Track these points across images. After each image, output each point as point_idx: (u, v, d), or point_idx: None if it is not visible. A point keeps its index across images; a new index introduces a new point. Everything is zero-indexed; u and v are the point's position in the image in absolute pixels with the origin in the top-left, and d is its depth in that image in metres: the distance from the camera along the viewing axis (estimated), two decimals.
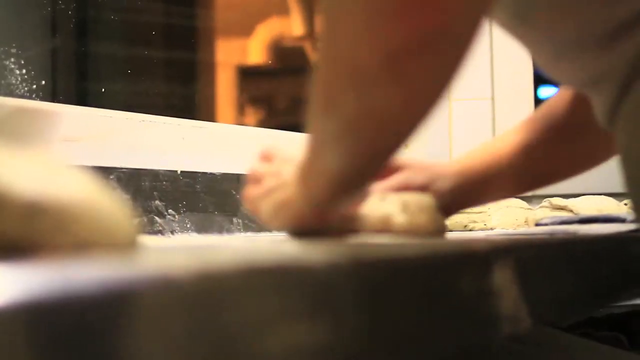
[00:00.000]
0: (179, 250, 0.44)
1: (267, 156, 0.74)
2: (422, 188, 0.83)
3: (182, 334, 0.28)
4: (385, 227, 0.69)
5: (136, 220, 0.46)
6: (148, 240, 0.55)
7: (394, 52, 0.49)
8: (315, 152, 0.59)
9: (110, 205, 0.33)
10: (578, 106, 0.81)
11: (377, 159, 0.58)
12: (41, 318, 0.24)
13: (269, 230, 1.20)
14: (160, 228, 1.04)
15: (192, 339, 0.28)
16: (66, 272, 0.27)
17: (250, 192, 0.73)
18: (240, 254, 0.36)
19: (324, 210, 0.63)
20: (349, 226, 0.69)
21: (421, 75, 0.51)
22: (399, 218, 0.69)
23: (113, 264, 0.29)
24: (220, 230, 1.13)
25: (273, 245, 0.58)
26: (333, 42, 0.53)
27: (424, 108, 0.54)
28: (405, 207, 0.70)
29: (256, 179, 0.73)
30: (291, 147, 0.71)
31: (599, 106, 0.67)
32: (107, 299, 0.26)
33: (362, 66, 0.51)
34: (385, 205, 0.70)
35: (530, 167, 0.88)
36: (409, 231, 0.69)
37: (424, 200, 0.71)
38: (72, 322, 0.25)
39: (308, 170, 0.62)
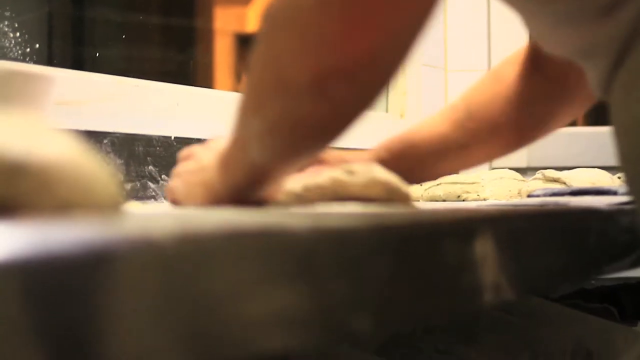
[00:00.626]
0: (161, 213, 0.45)
1: (187, 155, 0.77)
2: None
3: (161, 295, 0.28)
4: (337, 189, 0.70)
5: (121, 183, 0.46)
6: (132, 204, 0.55)
7: (320, 73, 0.54)
8: (238, 144, 0.64)
9: (94, 167, 0.33)
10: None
11: (296, 159, 0.63)
12: (26, 277, 0.24)
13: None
14: (154, 193, 1.04)
15: (171, 300, 0.28)
16: (48, 233, 0.27)
17: (171, 185, 0.77)
18: (220, 219, 0.36)
19: (240, 195, 0.67)
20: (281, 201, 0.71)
21: (344, 97, 0.56)
22: (353, 178, 0.69)
23: (94, 226, 0.29)
24: None
25: (256, 211, 0.58)
26: (268, 54, 0.57)
27: (343, 124, 0.58)
28: (350, 171, 0.70)
29: (178, 175, 0.77)
30: (209, 147, 0.74)
31: (594, 77, 0.66)
32: (87, 260, 0.26)
33: (290, 81, 0.56)
34: (328, 173, 0.70)
35: (445, 151, 0.90)
36: (367, 191, 0.69)
37: (368, 163, 0.72)
38: (54, 282, 0.25)
39: (229, 158, 0.66)
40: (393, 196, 0.69)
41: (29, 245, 0.25)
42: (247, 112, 0.62)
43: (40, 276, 0.25)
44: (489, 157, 0.93)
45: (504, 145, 0.90)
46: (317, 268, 0.36)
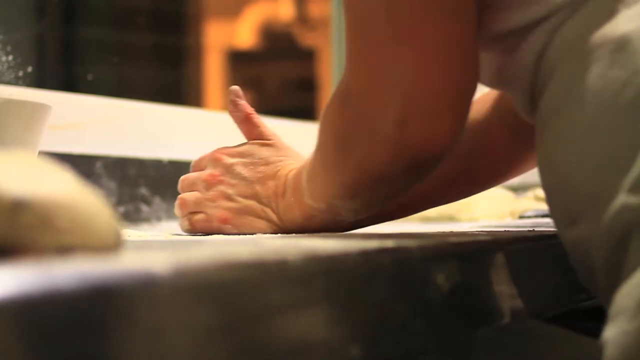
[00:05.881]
0: (159, 246, 0.45)
1: (196, 165, 0.75)
2: None
3: (166, 328, 0.28)
4: None
5: (118, 217, 0.46)
6: (129, 236, 0.55)
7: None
8: (319, 207, 0.66)
9: (94, 202, 0.33)
10: None
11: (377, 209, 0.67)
12: (29, 315, 0.25)
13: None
14: (146, 216, 1.04)
15: (176, 334, 0.28)
16: (50, 270, 0.27)
17: (185, 199, 0.73)
18: (217, 248, 0.36)
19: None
20: None
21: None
22: None
23: (96, 264, 0.29)
24: None
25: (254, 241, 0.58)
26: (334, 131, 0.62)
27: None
28: None
29: (189, 187, 0.74)
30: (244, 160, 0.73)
31: (517, 105, 0.65)
32: (89, 297, 0.26)
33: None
34: None
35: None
36: None
37: None
38: (57, 319, 0.25)
39: (311, 216, 0.68)
40: None
41: (32, 283, 0.25)
42: (326, 179, 0.64)
43: (42, 313, 0.25)
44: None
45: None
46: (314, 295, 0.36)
